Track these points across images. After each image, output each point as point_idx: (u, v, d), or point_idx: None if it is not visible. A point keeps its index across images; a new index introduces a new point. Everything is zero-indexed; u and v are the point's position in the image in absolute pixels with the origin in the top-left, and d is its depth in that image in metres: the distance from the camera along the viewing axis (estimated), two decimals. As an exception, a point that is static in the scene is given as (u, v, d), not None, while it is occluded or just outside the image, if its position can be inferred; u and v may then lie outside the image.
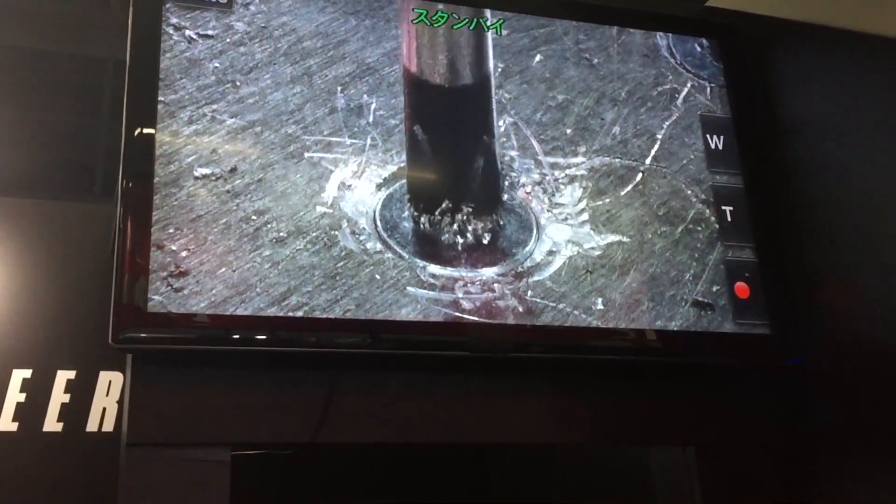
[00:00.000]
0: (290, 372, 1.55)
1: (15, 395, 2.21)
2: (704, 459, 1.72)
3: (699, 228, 1.80)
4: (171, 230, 1.52)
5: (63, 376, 2.26)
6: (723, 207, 1.83)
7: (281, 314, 1.51)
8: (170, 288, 1.48)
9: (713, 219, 1.81)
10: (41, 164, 2.90)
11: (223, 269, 1.52)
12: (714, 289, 1.75)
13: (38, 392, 2.22)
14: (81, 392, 2.26)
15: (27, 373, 2.23)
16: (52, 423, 2.21)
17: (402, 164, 1.69)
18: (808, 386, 1.76)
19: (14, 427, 2.17)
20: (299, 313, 1.52)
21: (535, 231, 1.70)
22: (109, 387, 2.29)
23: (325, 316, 1.53)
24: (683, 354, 1.70)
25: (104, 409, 2.26)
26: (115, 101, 2.73)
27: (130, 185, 1.55)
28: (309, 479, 2.14)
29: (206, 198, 1.56)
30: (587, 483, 2.09)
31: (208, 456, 1.49)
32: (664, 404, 1.71)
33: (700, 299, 1.73)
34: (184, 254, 1.51)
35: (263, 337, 1.52)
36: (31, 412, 2.21)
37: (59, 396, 2.24)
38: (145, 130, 1.58)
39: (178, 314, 1.47)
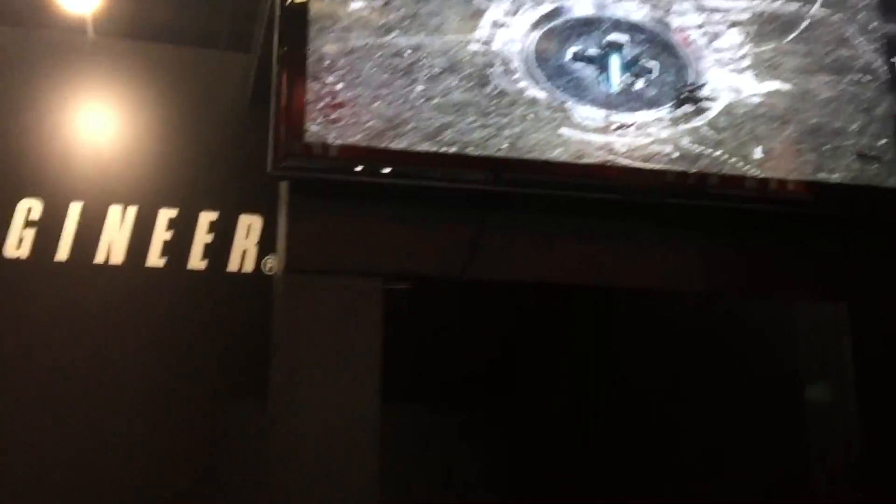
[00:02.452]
0: (441, 208, 1.56)
1: (162, 233, 2.30)
2: (857, 316, 1.68)
3: (867, 79, 1.70)
4: (326, 62, 1.52)
5: (206, 217, 2.33)
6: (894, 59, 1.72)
7: (434, 149, 1.51)
8: (326, 118, 1.49)
9: (883, 70, 1.71)
10: (177, 12, 2.93)
11: (377, 103, 1.52)
12: (881, 142, 1.66)
13: (183, 231, 2.30)
14: (223, 233, 2.34)
15: (173, 212, 2.31)
16: (196, 262, 2.31)
17: (558, 4, 1.63)
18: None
19: (161, 263, 2.27)
20: (453, 149, 1.52)
21: (693, 76, 1.64)
22: (249, 230, 2.36)
23: (478, 153, 1.52)
24: (844, 207, 1.63)
25: (244, 251, 2.34)
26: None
27: (287, 17, 1.54)
28: (456, 315, 2.18)
29: (361, 31, 1.55)
30: (727, 335, 2.06)
31: (361, 285, 1.53)
32: (818, 258, 1.66)
33: (865, 152, 1.65)
34: (339, 86, 1.51)
35: (416, 171, 1.52)
36: (177, 250, 2.30)
37: (202, 236, 2.32)
38: (301, -39, 1.56)
39: (335, 145, 1.48)
